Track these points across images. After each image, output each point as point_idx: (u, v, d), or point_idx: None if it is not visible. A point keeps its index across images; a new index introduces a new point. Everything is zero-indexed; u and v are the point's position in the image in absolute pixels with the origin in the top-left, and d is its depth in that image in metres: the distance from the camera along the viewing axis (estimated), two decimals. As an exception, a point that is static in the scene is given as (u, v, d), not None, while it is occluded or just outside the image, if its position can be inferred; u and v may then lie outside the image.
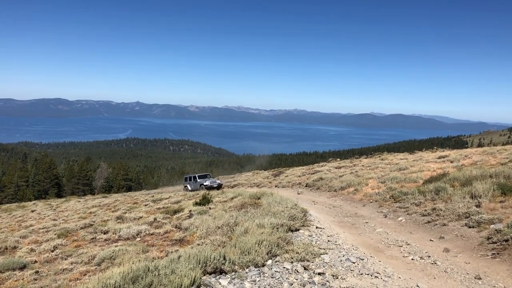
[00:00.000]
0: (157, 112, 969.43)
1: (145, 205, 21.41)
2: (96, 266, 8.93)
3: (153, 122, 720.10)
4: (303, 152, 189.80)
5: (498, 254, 7.54)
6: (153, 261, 6.86)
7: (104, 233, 12.63)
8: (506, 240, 7.71)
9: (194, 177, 32.10)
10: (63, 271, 9.10)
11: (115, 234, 12.20)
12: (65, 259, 10.28)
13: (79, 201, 35.53)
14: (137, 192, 48.69)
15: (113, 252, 9.28)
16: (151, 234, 11.78)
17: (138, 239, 11.49)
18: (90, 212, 21.41)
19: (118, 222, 14.74)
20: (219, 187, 30.30)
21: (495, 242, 7.96)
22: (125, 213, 17.57)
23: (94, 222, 15.82)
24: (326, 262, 6.63)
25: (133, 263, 6.64)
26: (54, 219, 20.30)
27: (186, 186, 32.80)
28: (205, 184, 29.90)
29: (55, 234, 13.55)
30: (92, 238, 12.37)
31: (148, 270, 5.80)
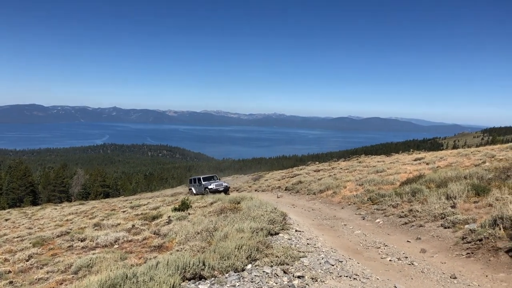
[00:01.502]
0: (135, 117, 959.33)
1: (123, 211, 21.14)
2: (73, 275, 8.77)
3: (131, 127, 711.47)
4: (283, 156, 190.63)
5: (472, 253, 7.71)
6: (131, 268, 6.78)
7: (81, 241, 12.41)
8: (480, 240, 7.90)
9: (199, 179, 28.88)
10: (38, 280, 8.91)
11: (93, 241, 12.01)
12: (41, 268, 10.06)
13: (56, 209, 34.80)
14: (115, 199, 48.00)
15: (90, 260, 9.13)
16: (129, 241, 11.64)
17: (116, 246, 11.34)
18: (67, 220, 21.00)
19: (95, 229, 14.51)
20: (226, 190, 27.29)
21: (470, 242, 8.14)
22: (103, 220, 17.31)
23: (71, 229, 15.53)
24: (305, 265, 6.67)
25: (111, 270, 6.55)
26: (29, 228, 19.84)
27: (191, 189, 29.92)
28: (209, 187, 26.87)
29: (30, 243, 13.25)
30: (69, 246, 12.15)
31: (126, 278, 5.73)
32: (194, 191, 28.61)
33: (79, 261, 9.24)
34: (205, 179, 28.54)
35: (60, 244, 12.63)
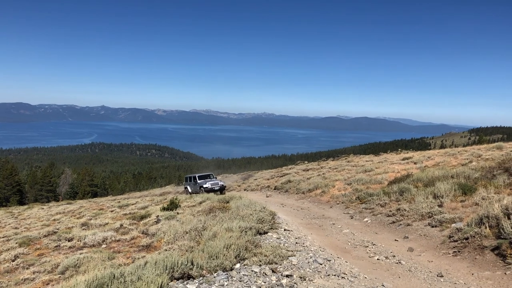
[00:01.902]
0: (123, 116, 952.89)
1: (111, 211, 20.98)
2: (60, 275, 8.67)
3: (119, 126, 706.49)
4: (272, 155, 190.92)
5: (459, 252, 7.79)
6: (119, 268, 6.72)
7: (69, 241, 12.29)
8: (466, 238, 7.98)
9: (194, 178, 27.43)
10: (24, 281, 8.80)
11: (80, 241, 11.90)
12: (27, 268, 9.94)
13: (43, 208, 34.42)
14: (103, 198, 47.68)
15: (77, 260, 9.04)
16: (117, 241, 11.55)
17: (104, 246, 11.24)
18: (54, 219, 20.77)
19: (83, 229, 14.38)
20: (222, 189, 25.94)
21: (456, 241, 8.22)
22: (91, 219, 17.16)
23: (58, 229, 15.37)
24: (294, 264, 6.68)
25: (98, 270, 6.49)
26: (16, 227, 19.59)
27: (187, 187, 28.52)
28: (204, 186, 25.38)
29: (16, 243, 13.08)
30: (56, 246, 12.02)
31: (114, 277, 5.68)
32: (190, 190, 27.65)
33: (66, 261, 9.14)
34: (200, 178, 27.16)
35: (47, 244, 12.49)
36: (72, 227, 15.57)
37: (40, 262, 10.22)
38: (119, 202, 27.31)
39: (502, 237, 7.22)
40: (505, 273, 6.46)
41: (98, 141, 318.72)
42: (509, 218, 7.50)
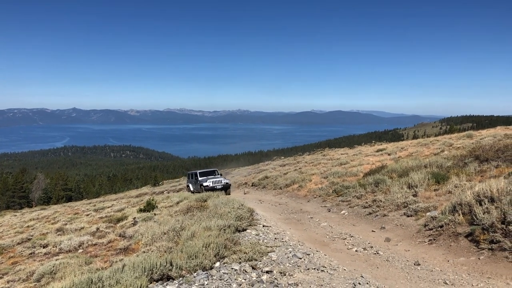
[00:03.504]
0: (96, 118, 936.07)
1: (87, 215, 20.61)
2: (35, 283, 8.46)
3: (92, 128, 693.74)
4: (249, 152, 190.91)
5: (434, 240, 7.95)
6: (96, 272, 6.60)
7: (44, 247, 12.00)
8: (441, 226, 8.15)
9: (195, 175, 24.58)
10: (-2, 291, 8.56)
11: (56, 247, 11.64)
12: (1, 277, 9.66)
13: (15, 215, 33.55)
14: (78, 202, 46.75)
15: (53, 266, 8.83)
16: (94, 245, 11.35)
17: (80, 250, 11.04)
18: (28, 226, 20.26)
19: (58, 235, 14.08)
20: (226, 188, 23.01)
21: (432, 229, 8.39)
22: (66, 224, 16.82)
23: (32, 236, 15.00)
24: (273, 260, 6.69)
25: (75, 276, 6.36)
26: (-13, 237, 19.04)
27: (188, 185, 25.76)
28: (205, 184, 22.53)
29: (-12, 252, 12.71)
30: (31, 253, 11.72)
31: (92, 282, 5.59)
32: (191, 188, 24.95)
33: (41, 268, 8.92)
34: (202, 174, 24.39)
35: (21, 251, 12.18)
36: (47, 233, 15.23)
37: (14, 271, 9.95)
38: (94, 205, 26.87)
39: (475, 223, 7.40)
40: (479, 258, 6.62)
41: (71, 144, 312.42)
42: (481, 205, 7.69)
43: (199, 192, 21.33)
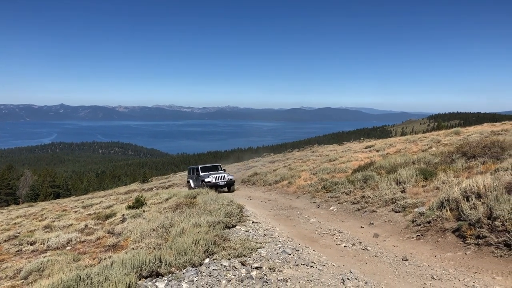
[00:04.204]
0: (84, 114, 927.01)
1: (75, 211, 20.45)
2: (22, 280, 8.38)
3: (80, 124, 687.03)
4: (238, 149, 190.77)
5: (422, 235, 8.04)
6: (85, 269, 6.55)
7: (31, 244, 11.89)
8: (429, 222, 8.24)
9: (197, 170, 22.97)
10: (-16, 289, 8.46)
11: (43, 244, 11.54)
12: (-13, 275, 9.55)
13: (2, 212, 33.15)
14: (66, 199, 46.35)
15: (41, 264, 8.75)
16: (83, 242, 11.27)
17: (68, 247, 10.95)
18: (15, 223, 20.04)
19: (46, 232, 13.95)
20: (230, 185, 21.59)
21: (419, 225, 8.48)
22: (54, 221, 16.66)
23: (19, 233, 14.83)
24: (263, 256, 6.71)
25: (63, 273, 6.31)
26: (-27, 234, 18.81)
27: (189, 181, 24.08)
28: (206, 180, 20.96)
29: (-26, 250, 12.55)
30: (18, 251, 11.60)
31: (80, 280, 5.54)
32: (192, 184, 23.21)
33: (29, 266, 8.84)
34: (203, 170, 22.74)
35: (8, 249, 12.04)
36: (34, 230, 15.08)
37: (1, 268, 9.84)
38: (83, 202, 26.66)
39: (462, 219, 7.49)
40: (466, 253, 6.71)
41: (59, 141, 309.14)
42: (468, 201, 7.79)
43: (200, 188, 19.58)
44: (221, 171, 22.58)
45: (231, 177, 21.76)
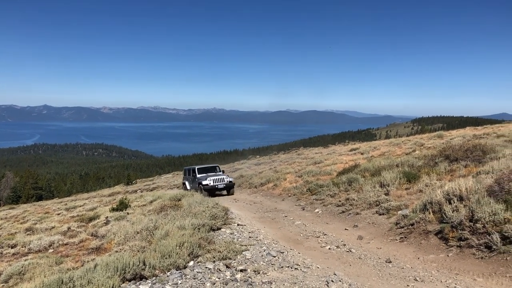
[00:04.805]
0: (67, 115, 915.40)
1: (58, 214, 20.18)
2: (3, 284, 8.23)
3: (63, 126, 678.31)
4: (224, 151, 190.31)
5: (405, 237, 8.12)
6: (67, 272, 6.47)
7: (12, 247, 11.67)
8: (412, 224, 8.33)
9: (193, 171, 21.32)
10: (-37, 293, 8.28)
11: (25, 247, 11.35)
12: (-34, 279, 9.36)
13: (-18, 215, 32.54)
14: (48, 201, 45.73)
15: (22, 267, 8.61)
16: (65, 244, 11.12)
17: (51, 250, 10.80)
18: (-5, 226, 19.73)
19: (27, 234, 13.74)
20: (229, 188, 20.10)
21: (403, 227, 8.56)
22: (36, 224, 16.42)
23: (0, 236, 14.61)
24: (248, 258, 6.71)
25: (45, 276, 6.23)
26: (-48, 237, 18.41)
27: (185, 183, 22.62)
28: (204, 183, 19.47)
29: (-47, 253, 12.28)
30: (-2, 254, 11.40)
31: (62, 283, 5.48)
32: (188, 187, 21.74)
33: (9, 269, 8.68)
34: (200, 171, 21.09)
35: (-12, 252, 11.83)
36: (16, 232, 14.84)
37: (-20, 272, 9.65)
38: (66, 204, 26.34)
39: (445, 221, 7.59)
40: (448, 255, 6.80)
41: (42, 142, 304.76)
42: (450, 203, 7.90)
43: (197, 190, 19.05)
44: (219, 173, 21.17)
45: (230, 179, 20.38)
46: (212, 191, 19.36)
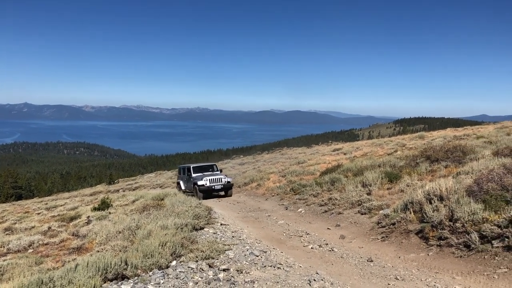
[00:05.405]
0: (49, 113, 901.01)
1: (38, 213, 19.87)
2: (-20, 285, 8.08)
3: (44, 124, 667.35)
4: (207, 150, 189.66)
5: (387, 237, 8.22)
6: (47, 272, 6.38)
7: (-10, 248, 11.47)
8: (393, 224, 8.43)
9: (188, 170, 19.79)
10: None
11: (3, 247, 11.13)
12: None
13: (-41, 215, 31.85)
14: (28, 201, 44.96)
15: (1, 267, 8.45)
16: (46, 244, 10.95)
17: (30, 250, 10.62)
18: (-27, 226, 19.33)
19: (6, 234, 13.47)
20: (227, 189, 18.72)
21: (384, 226, 8.66)
22: (15, 223, 16.13)
23: (-23, 236, 14.31)
24: (230, 258, 6.71)
25: (24, 277, 6.13)
26: None
27: (179, 182, 21.03)
28: (199, 183, 18.05)
29: None
30: (-25, 254, 11.17)
31: (42, 283, 5.40)
32: (183, 187, 20.31)
33: (-13, 270, 8.53)
34: (196, 170, 19.46)
35: (-35, 252, 11.59)
36: (-6, 233, 14.57)
37: (-43, 273, 9.44)
38: (46, 203, 25.92)
39: (425, 221, 7.71)
40: (428, 254, 6.91)
41: (22, 141, 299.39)
42: (431, 203, 8.02)
43: (192, 193, 18.08)
44: (217, 172, 19.65)
45: (228, 180, 18.96)
46: (208, 192, 18.29)
